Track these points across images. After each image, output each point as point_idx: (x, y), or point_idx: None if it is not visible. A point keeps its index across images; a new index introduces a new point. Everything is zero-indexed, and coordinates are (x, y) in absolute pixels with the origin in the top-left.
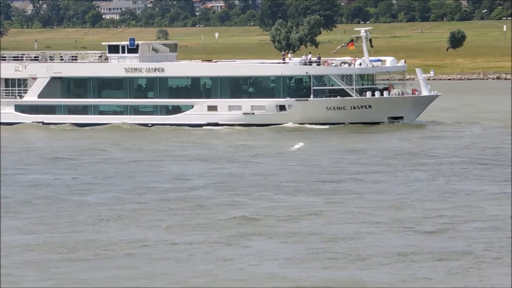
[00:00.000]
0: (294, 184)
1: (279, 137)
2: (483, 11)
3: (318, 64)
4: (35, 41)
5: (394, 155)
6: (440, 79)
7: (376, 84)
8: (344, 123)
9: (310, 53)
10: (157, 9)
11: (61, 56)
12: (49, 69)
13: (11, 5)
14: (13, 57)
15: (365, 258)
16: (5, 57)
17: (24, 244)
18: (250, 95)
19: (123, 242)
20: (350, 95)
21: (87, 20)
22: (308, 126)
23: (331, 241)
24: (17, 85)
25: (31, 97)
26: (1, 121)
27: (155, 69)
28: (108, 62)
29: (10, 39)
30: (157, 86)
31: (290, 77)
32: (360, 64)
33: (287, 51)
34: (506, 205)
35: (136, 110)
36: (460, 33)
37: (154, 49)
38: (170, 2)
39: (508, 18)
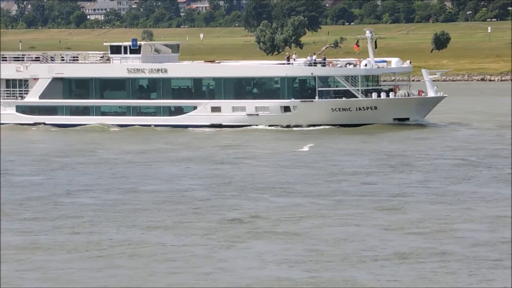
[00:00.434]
0: (294, 186)
1: (285, 139)
2: (468, 13)
3: (323, 65)
4: (20, 41)
5: (394, 156)
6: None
7: (380, 85)
8: (349, 125)
9: (314, 53)
10: (141, 10)
11: (62, 57)
12: (51, 70)
13: None
14: (14, 57)
15: (365, 260)
16: (6, 57)
17: (23, 245)
18: (254, 96)
19: (121, 244)
20: (355, 96)
21: (72, 21)
22: (312, 127)
23: (332, 243)
24: (18, 85)
25: (33, 98)
26: (2, 122)
27: (158, 70)
28: (110, 62)
29: None
30: (160, 87)
31: (295, 78)
32: (366, 65)
33: (292, 52)
34: (502, 206)
35: (138, 111)
36: (444, 34)
37: (156, 50)
38: (154, 3)
39: (493, 19)
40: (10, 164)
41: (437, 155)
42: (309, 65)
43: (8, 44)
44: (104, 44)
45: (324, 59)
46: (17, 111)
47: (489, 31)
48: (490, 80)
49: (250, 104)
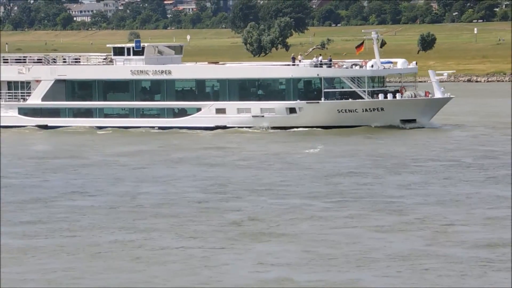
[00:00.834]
0: (292, 188)
1: (291, 141)
2: (454, 14)
3: (329, 66)
4: (6, 43)
5: (392, 158)
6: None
7: (386, 86)
8: (355, 126)
9: (320, 55)
10: (128, 12)
11: (64, 58)
12: (53, 72)
13: None
14: (16, 59)
15: (369, 262)
16: (7, 59)
17: (22, 248)
18: (260, 98)
19: (121, 247)
20: (362, 98)
21: (58, 23)
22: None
23: (334, 245)
24: (20, 88)
25: (35, 100)
26: (5, 124)
27: (162, 72)
28: (113, 64)
29: None
30: (164, 88)
31: (301, 79)
32: (372, 66)
33: (299, 53)
34: (504, 208)
35: (142, 113)
36: (430, 35)
37: (160, 51)
38: (141, 5)
39: (479, 20)
40: (3, 167)
41: (441, 156)
42: (315, 66)
43: None
44: (107, 45)
45: (330, 60)
46: (19, 113)
47: (475, 32)
48: (477, 81)
49: (255, 106)
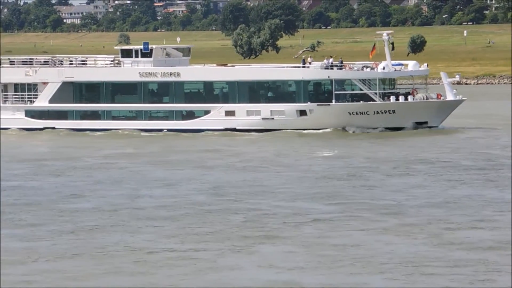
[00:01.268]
0: (296, 190)
1: (304, 143)
2: (444, 16)
3: (340, 68)
4: None
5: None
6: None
7: (397, 89)
8: (367, 128)
9: (331, 56)
10: (118, 14)
11: (71, 60)
12: (61, 74)
13: None
14: (22, 61)
15: (377, 265)
16: (14, 61)
17: (26, 251)
18: (269, 100)
19: (126, 250)
20: (373, 100)
21: (48, 25)
22: (329, 131)
23: (339, 248)
24: (27, 90)
25: (42, 102)
26: (11, 126)
27: (171, 74)
28: (121, 66)
29: None
30: (173, 90)
31: (311, 81)
32: (384, 68)
33: (309, 55)
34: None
35: (150, 116)
36: (420, 38)
37: (168, 53)
38: (131, 7)
39: (469, 23)
40: (2, 169)
41: (450, 158)
42: (325, 68)
43: None
44: (115, 47)
45: (341, 62)
46: (26, 115)
47: (465, 34)
48: (466, 84)
49: (265, 108)
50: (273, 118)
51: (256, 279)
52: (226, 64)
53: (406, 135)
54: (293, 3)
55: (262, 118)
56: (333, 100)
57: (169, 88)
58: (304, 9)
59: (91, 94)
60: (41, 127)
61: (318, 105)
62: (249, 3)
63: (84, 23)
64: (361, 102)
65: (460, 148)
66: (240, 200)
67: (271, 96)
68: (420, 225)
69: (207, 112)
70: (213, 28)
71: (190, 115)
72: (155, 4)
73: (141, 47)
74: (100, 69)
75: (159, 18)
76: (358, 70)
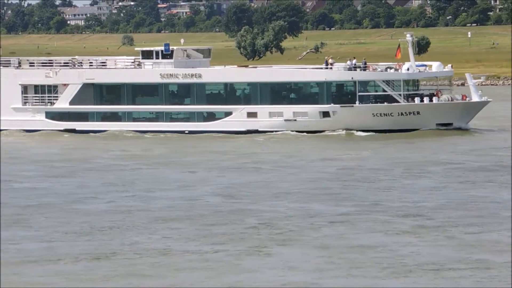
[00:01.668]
0: (312, 192)
1: (328, 146)
2: (448, 18)
3: (364, 69)
4: None
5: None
6: None
7: (420, 90)
8: (390, 130)
9: (354, 58)
10: (122, 15)
11: (91, 62)
12: (81, 76)
13: None
14: (42, 63)
15: (398, 267)
16: (33, 63)
17: (44, 253)
18: (292, 101)
19: (144, 252)
20: (397, 101)
21: (52, 26)
22: (354, 133)
23: (358, 250)
24: (48, 91)
25: (63, 104)
26: (33, 128)
27: (192, 75)
28: (141, 68)
29: None
30: (194, 92)
31: (335, 83)
32: (408, 69)
33: (330, 56)
34: None
35: (171, 117)
36: (424, 39)
37: (188, 55)
38: (135, 8)
39: (473, 24)
40: (15, 170)
41: (469, 160)
42: (348, 70)
43: None
44: (136, 49)
45: (365, 63)
46: (46, 117)
47: (469, 36)
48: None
49: (288, 110)
50: (295, 120)
51: (276, 281)
52: (247, 66)
53: (420, 135)
54: (297, 4)
55: (285, 120)
56: (357, 102)
57: (190, 89)
58: (307, 10)
59: (112, 95)
60: (62, 129)
61: (341, 106)
62: (252, 4)
63: (88, 24)
64: (385, 103)
65: (473, 150)
66: (256, 202)
67: (294, 97)
68: (438, 227)
69: (228, 113)
70: (217, 29)
71: (212, 116)
72: (159, 6)
73: (162, 48)
74: (121, 71)
75: (162, 19)
76: (381, 71)
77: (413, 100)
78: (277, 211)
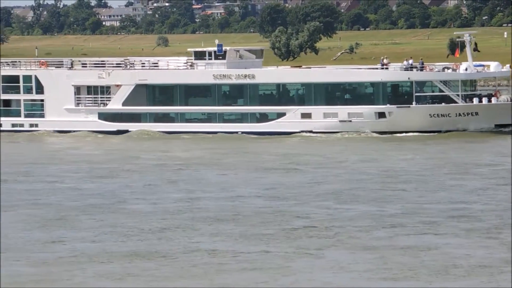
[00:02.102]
0: (358, 193)
1: (374, 146)
2: (484, 18)
3: (421, 69)
4: (36, 48)
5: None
6: None
7: (477, 90)
8: (447, 131)
9: (411, 58)
10: (157, 16)
11: (143, 63)
12: (134, 76)
13: (12, 12)
14: (94, 64)
15: (451, 270)
16: (86, 64)
17: (93, 253)
18: (347, 102)
19: (194, 252)
20: (454, 102)
21: (87, 27)
22: (410, 134)
23: (410, 253)
24: (100, 92)
25: (115, 105)
26: (85, 129)
27: (245, 76)
28: (194, 68)
29: (11, 46)
30: (247, 93)
31: (391, 83)
32: (466, 69)
33: (385, 56)
34: None
35: (224, 118)
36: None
37: (241, 55)
38: (170, 9)
39: (509, 24)
40: (58, 171)
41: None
42: (405, 70)
43: (25, 50)
44: (188, 50)
45: (422, 63)
46: (99, 118)
47: (505, 36)
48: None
49: (343, 110)
50: (350, 121)
51: (329, 284)
52: (301, 66)
53: (477, 136)
54: (332, 4)
55: (340, 121)
56: (413, 102)
57: (243, 90)
58: (342, 10)
59: (165, 96)
60: (114, 129)
61: (397, 107)
62: (287, 5)
63: (123, 25)
64: (443, 104)
65: None
66: (300, 203)
67: (349, 98)
68: (489, 229)
69: (282, 114)
70: (251, 30)
71: (265, 117)
72: (193, 7)
73: (215, 49)
74: (174, 72)
75: (197, 20)
76: (438, 71)
77: (471, 100)
78: (323, 212)
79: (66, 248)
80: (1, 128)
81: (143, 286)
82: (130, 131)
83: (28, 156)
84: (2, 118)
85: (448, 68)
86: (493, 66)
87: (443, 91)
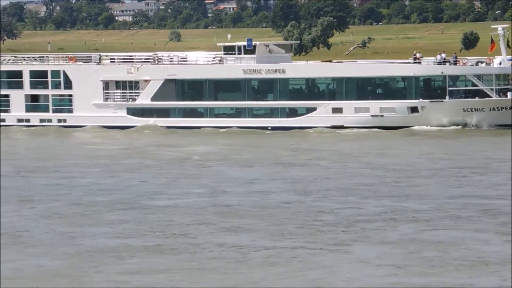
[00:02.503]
0: (381, 189)
1: (400, 141)
2: (497, 12)
3: (454, 63)
4: (49, 43)
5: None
6: None
7: (510, 84)
8: (480, 126)
9: (444, 52)
10: (169, 11)
11: (171, 58)
12: (163, 71)
13: (25, 7)
14: (123, 59)
15: (480, 266)
16: (114, 59)
17: (119, 249)
18: (378, 97)
19: (219, 248)
20: (488, 96)
21: (100, 22)
22: (444, 129)
23: (439, 248)
24: (129, 87)
25: (144, 100)
26: (114, 124)
27: (276, 70)
28: (223, 63)
29: (24, 40)
30: (277, 87)
31: (423, 77)
32: (500, 63)
33: (418, 50)
34: None
35: (253, 113)
36: (473, 34)
37: (270, 50)
38: (182, 4)
39: None
40: (76, 167)
41: None
42: (438, 64)
43: (37, 45)
44: (218, 44)
45: (456, 57)
46: (128, 113)
47: None
48: None
49: (375, 105)
50: (382, 115)
51: (357, 280)
52: (331, 60)
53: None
54: None
55: (371, 115)
56: (447, 97)
57: (273, 85)
58: (355, 5)
59: (194, 91)
60: (143, 125)
61: (430, 101)
62: None
63: (135, 20)
64: (476, 98)
65: None
66: (324, 197)
67: (380, 92)
68: None
69: (312, 109)
70: (264, 25)
71: (295, 112)
72: (206, 2)
73: (245, 43)
74: (203, 66)
75: (209, 15)
76: (472, 65)
77: (505, 95)
78: (348, 208)
79: (90, 243)
80: (29, 123)
81: (169, 281)
82: (159, 126)
83: (56, 151)
84: (30, 113)
85: (481, 62)
86: None
87: (476, 85)
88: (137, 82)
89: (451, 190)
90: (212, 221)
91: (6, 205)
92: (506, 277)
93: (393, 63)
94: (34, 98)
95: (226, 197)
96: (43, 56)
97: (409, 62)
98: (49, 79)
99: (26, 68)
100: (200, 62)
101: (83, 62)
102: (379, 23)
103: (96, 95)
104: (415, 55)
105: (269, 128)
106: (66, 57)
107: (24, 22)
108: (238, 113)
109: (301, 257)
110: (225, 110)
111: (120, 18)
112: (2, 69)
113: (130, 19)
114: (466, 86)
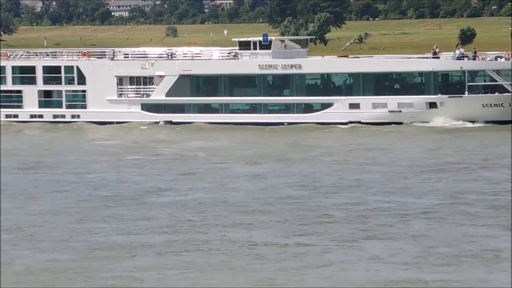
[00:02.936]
0: (391, 185)
1: (407, 137)
2: (493, 8)
3: (473, 58)
4: (45, 38)
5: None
6: None
7: None
8: (500, 122)
9: (463, 47)
10: (166, 6)
11: (185, 53)
12: (178, 67)
13: (21, 2)
14: (136, 54)
15: (492, 261)
16: (128, 55)
17: (129, 246)
18: (396, 92)
19: (230, 245)
20: (508, 91)
21: (96, 18)
22: (465, 124)
23: (452, 244)
24: (143, 83)
25: (159, 95)
26: (128, 120)
27: (292, 66)
28: (238, 58)
29: (20, 36)
30: (294, 83)
31: (442, 73)
32: None
33: (435, 45)
34: None
35: (269, 109)
36: (469, 30)
37: (286, 45)
38: (178, 0)
39: None
40: (84, 163)
41: None
42: (457, 59)
43: (33, 41)
44: (233, 39)
45: (475, 52)
46: (142, 109)
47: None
48: None
49: (392, 101)
50: (400, 111)
51: (368, 276)
52: (348, 56)
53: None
54: None
55: (389, 111)
56: (466, 92)
57: (289, 80)
58: (351, 0)
59: (209, 87)
60: (158, 120)
61: (449, 97)
62: None
63: (132, 16)
64: (496, 93)
65: None
66: (333, 193)
67: (398, 88)
68: None
69: (328, 105)
70: (260, 20)
71: (311, 107)
72: None
73: (260, 38)
74: (218, 62)
75: (206, 10)
76: (491, 60)
77: None
78: (356, 203)
79: (100, 240)
80: (42, 119)
81: (180, 278)
82: (173, 122)
83: (70, 146)
84: (43, 109)
85: (500, 57)
86: None
87: (495, 81)
88: (151, 78)
89: (459, 185)
90: (221, 217)
91: (31, 201)
92: None
93: (411, 58)
94: (47, 93)
95: (235, 193)
96: (56, 52)
97: (427, 57)
98: (63, 74)
99: (39, 63)
100: (214, 57)
101: (97, 58)
102: (376, 19)
103: (110, 91)
104: (434, 50)
105: (284, 124)
106: (79, 52)
107: (20, 18)
108: (254, 108)
109: (314, 253)
110: (240, 106)
111: (117, 14)
112: (15, 64)
113: (127, 14)
114: (484, 81)
